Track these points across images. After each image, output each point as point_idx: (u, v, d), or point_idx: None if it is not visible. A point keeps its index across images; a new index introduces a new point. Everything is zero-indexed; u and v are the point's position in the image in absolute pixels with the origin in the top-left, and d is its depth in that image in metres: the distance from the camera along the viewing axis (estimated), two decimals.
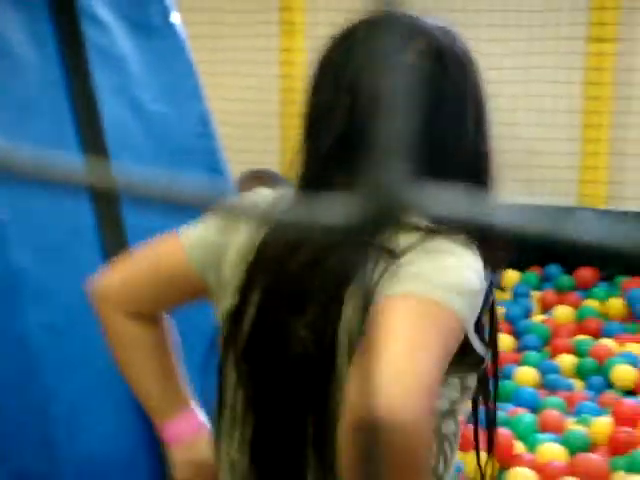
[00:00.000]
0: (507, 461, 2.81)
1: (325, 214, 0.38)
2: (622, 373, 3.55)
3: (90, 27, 1.91)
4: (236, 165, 5.45)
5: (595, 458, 2.78)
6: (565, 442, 2.95)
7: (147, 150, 2.03)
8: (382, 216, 0.37)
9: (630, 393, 3.51)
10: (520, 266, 4.60)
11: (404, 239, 1.09)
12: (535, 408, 3.31)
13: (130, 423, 1.89)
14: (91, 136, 1.91)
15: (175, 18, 2.14)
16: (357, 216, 0.38)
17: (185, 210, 0.43)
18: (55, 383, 1.75)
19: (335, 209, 0.38)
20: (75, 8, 1.89)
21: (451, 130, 1.19)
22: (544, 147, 4.71)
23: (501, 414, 3.21)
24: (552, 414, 3.13)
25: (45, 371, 1.75)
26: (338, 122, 1.18)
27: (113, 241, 1.91)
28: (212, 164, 2.22)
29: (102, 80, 1.95)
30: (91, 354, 1.83)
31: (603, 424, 2.96)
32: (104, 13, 1.94)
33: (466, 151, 1.21)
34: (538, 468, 2.77)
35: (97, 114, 1.91)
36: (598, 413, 3.17)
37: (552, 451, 2.85)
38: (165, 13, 2.12)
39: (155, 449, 1.89)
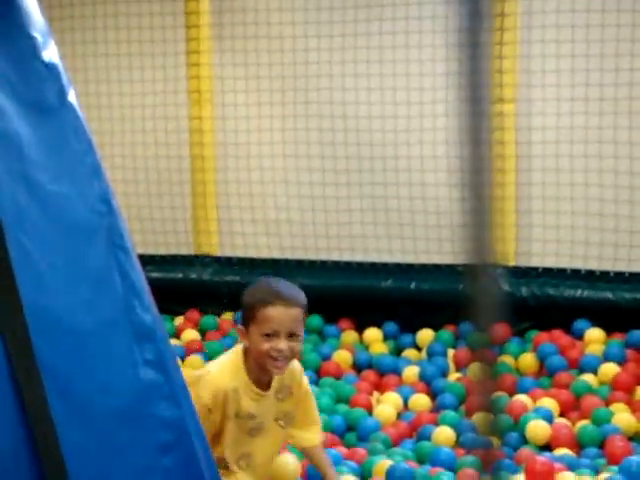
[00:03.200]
0: None
1: None
2: (537, 429, 3.59)
3: None
4: (147, 234, 5.40)
5: None
6: None
7: (46, 231, 2.01)
8: None
9: (545, 448, 3.55)
10: (434, 325, 4.64)
11: None
12: (453, 467, 3.32)
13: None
14: None
15: (72, 96, 2.14)
16: None
17: None
18: None
19: None
20: None
21: None
22: (452, 206, 4.79)
23: (422, 472, 3.20)
24: (469, 474, 3.14)
25: None
26: None
27: (9, 321, 1.87)
28: (116, 241, 2.20)
29: None
30: None
31: None
32: None
33: None
34: None
35: None
36: (515, 470, 3.19)
37: None
38: (61, 92, 2.11)
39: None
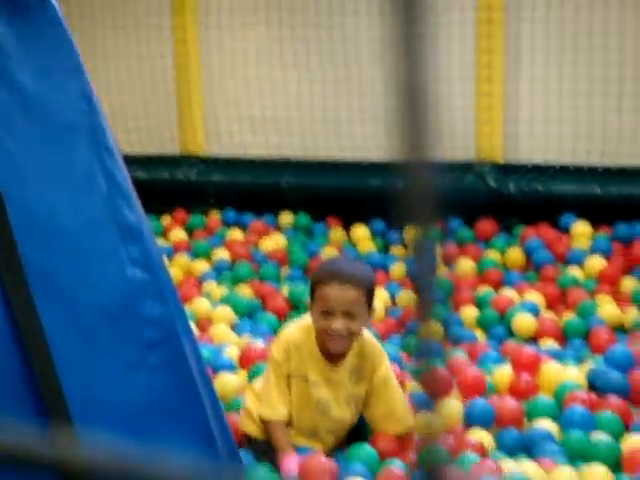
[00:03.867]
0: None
1: None
2: (522, 322, 3.63)
3: None
4: (131, 133, 5.34)
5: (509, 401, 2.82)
6: None
7: (30, 131, 1.99)
8: None
9: (531, 341, 3.60)
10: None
11: None
12: (440, 361, 3.36)
13: (27, 407, 1.86)
14: None
15: None
16: None
17: None
18: None
19: None
20: None
21: None
22: (440, 103, 4.75)
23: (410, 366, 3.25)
24: (455, 364, 3.17)
25: None
26: None
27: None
28: (99, 140, 2.17)
29: None
30: None
31: (504, 372, 3.02)
32: None
33: None
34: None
35: None
36: (500, 362, 3.24)
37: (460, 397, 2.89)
38: None
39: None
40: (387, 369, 2.68)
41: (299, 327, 2.67)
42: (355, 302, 2.52)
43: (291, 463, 2.55)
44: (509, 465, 2.41)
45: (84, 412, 1.94)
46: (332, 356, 2.63)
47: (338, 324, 2.52)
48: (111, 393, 2.01)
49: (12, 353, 1.87)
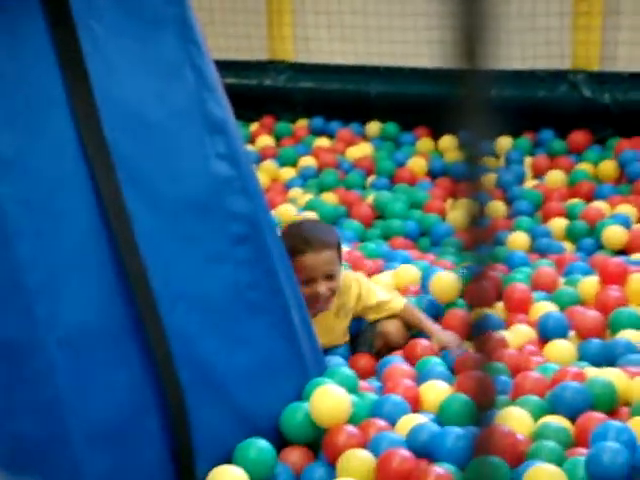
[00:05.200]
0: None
1: None
2: (613, 234, 3.54)
3: None
4: (220, 39, 5.32)
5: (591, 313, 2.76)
6: (557, 300, 2.92)
7: (115, 17, 1.98)
8: None
9: (621, 253, 3.51)
10: (513, 132, 4.55)
11: None
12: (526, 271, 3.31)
13: (115, 293, 1.90)
14: None
15: None
16: None
17: None
18: (29, 254, 1.75)
19: None
20: None
21: None
22: (536, 9, 4.60)
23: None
24: (545, 272, 3.09)
25: (19, 242, 1.74)
26: None
27: (82, 107, 1.88)
28: (187, 34, 2.15)
29: None
30: (65, 227, 1.82)
31: (591, 283, 2.95)
32: None
33: None
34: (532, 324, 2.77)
35: None
36: (588, 273, 3.17)
37: (545, 307, 2.84)
38: None
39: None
40: (367, 288, 2.73)
41: None
42: (332, 263, 2.58)
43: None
44: (592, 371, 2.37)
45: (170, 301, 1.97)
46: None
47: (322, 287, 2.57)
48: (196, 284, 2.03)
49: (101, 241, 1.89)
